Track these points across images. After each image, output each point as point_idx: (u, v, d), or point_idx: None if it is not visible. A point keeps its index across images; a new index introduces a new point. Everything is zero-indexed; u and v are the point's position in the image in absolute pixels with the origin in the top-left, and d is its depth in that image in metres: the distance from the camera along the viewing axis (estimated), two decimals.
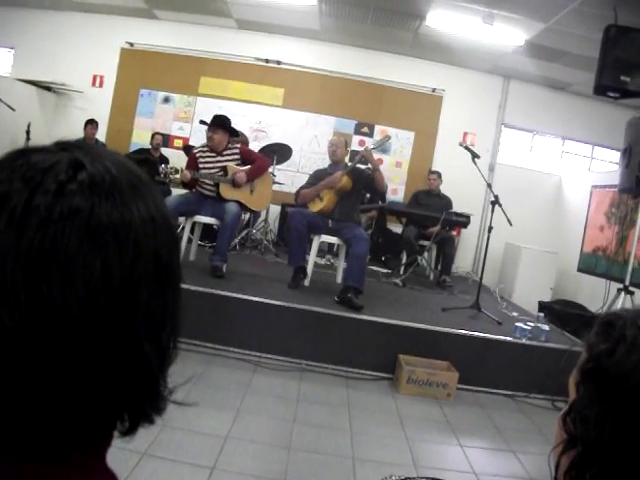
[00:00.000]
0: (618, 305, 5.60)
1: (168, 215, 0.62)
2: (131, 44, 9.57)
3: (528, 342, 5.05)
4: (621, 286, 5.75)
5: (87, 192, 0.54)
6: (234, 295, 4.88)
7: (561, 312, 6.83)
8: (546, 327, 5.28)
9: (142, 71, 9.60)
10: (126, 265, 0.54)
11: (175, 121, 9.64)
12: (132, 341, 0.55)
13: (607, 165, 9.82)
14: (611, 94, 5.73)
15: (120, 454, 2.64)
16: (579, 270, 8.53)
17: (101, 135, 9.08)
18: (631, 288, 5.69)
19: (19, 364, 0.51)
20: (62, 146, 0.58)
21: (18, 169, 0.54)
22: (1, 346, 0.50)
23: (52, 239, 0.51)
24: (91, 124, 8.57)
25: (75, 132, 8.55)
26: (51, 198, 0.52)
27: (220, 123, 5.85)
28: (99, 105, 9.44)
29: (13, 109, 7.82)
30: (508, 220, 5.87)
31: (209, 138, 5.85)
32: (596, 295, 6.74)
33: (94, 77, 9.64)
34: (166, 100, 9.65)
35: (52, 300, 0.51)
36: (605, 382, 0.70)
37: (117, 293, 0.54)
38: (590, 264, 8.23)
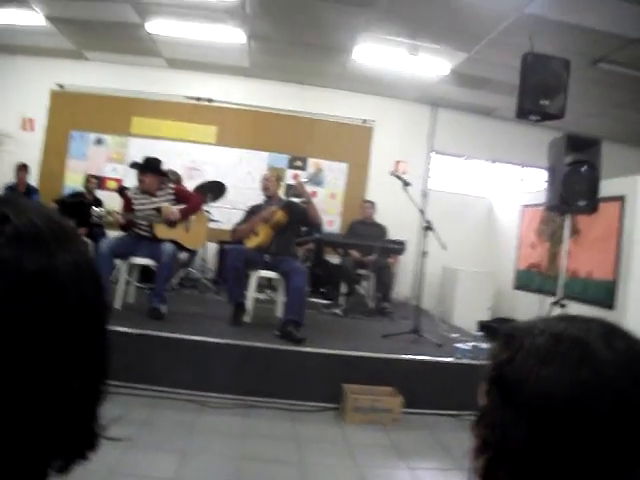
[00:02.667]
0: None
1: (92, 262, 0.65)
2: (61, 86, 9.43)
3: (469, 361, 5.15)
4: (554, 300, 5.92)
5: (13, 243, 0.56)
6: (175, 336, 4.83)
7: (499, 330, 6.96)
8: (485, 345, 5.39)
9: (73, 113, 9.47)
10: (52, 310, 0.57)
11: (108, 162, 9.52)
12: (61, 381, 0.58)
13: (537, 184, 10.11)
14: (533, 117, 5.94)
15: None
16: (515, 288, 8.72)
17: (33, 179, 8.91)
18: (563, 301, 5.87)
19: None
20: None
21: None
22: None
23: None
24: (22, 169, 8.42)
25: (6, 177, 8.39)
26: None
27: (149, 166, 5.85)
28: (30, 149, 9.22)
29: None
30: (441, 244, 6.01)
31: (139, 181, 5.86)
32: (532, 310, 6.92)
33: (24, 120, 9.44)
34: (98, 141, 9.53)
35: None
36: (506, 388, 0.75)
37: (45, 336, 0.56)
38: (525, 281, 8.44)
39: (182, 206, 5.85)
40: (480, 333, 6.07)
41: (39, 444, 0.58)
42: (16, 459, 0.56)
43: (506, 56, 7.04)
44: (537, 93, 5.75)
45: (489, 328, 7.10)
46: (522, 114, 5.89)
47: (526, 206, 8.74)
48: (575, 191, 5.56)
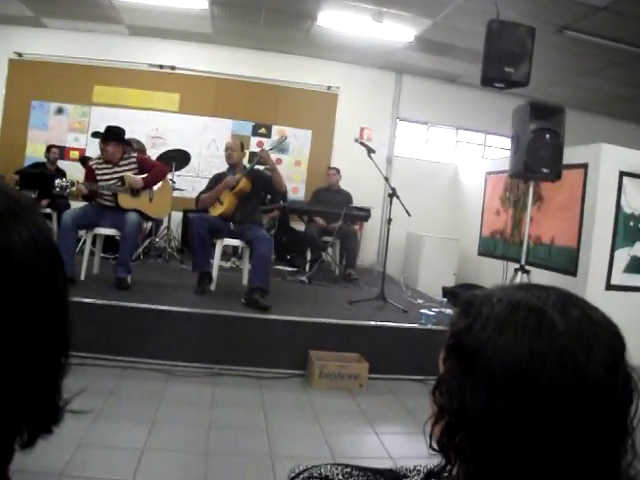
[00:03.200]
0: None
1: (50, 236, 0.65)
2: (20, 54, 9.16)
3: (434, 327, 5.22)
4: (518, 266, 6.01)
5: None
6: (141, 306, 4.81)
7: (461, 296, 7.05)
8: (449, 311, 5.45)
9: (33, 82, 9.21)
10: (11, 285, 0.57)
11: (70, 132, 9.33)
12: (23, 356, 0.58)
13: (500, 151, 10.21)
14: (497, 84, 5.95)
15: (35, 478, 2.59)
16: (479, 254, 8.82)
17: None
18: (527, 267, 5.96)
19: None
20: None
21: None
22: None
23: None
24: None
25: None
26: None
27: (111, 135, 5.76)
28: None
29: None
30: (406, 211, 6.05)
31: (102, 150, 5.77)
32: (496, 276, 7.01)
33: None
34: (60, 111, 9.33)
35: None
36: (465, 355, 0.77)
37: (3, 312, 0.56)
38: (489, 247, 8.54)
39: (146, 175, 5.79)
40: (444, 299, 6.14)
41: (3, 421, 0.58)
42: None
43: (471, 22, 7.02)
44: (502, 60, 5.75)
45: (453, 294, 7.18)
46: (487, 81, 5.89)
47: (490, 173, 8.80)
48: (539, 158, 5.62)
